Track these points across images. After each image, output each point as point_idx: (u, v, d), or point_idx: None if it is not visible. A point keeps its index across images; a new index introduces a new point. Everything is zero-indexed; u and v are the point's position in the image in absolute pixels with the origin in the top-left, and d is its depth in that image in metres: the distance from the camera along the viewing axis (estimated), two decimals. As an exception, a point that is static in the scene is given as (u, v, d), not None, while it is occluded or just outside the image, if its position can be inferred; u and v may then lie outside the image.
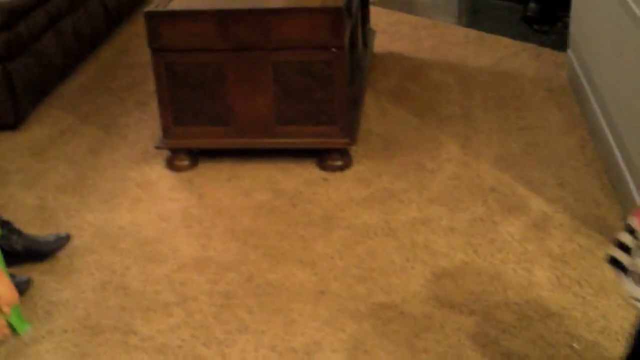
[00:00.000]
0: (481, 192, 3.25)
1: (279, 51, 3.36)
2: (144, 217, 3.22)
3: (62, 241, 2.99)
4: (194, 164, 3.56)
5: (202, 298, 2.74)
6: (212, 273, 2.86)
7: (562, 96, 3.97)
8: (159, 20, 3.35)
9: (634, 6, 2.85)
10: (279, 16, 3.31)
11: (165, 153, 3.60)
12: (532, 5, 4.95)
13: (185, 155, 3.55)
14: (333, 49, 3.32)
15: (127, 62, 4.79)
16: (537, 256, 2.83)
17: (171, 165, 3.56)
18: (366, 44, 4.35)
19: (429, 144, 3.64)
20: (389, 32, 5.00)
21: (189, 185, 3.43)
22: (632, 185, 2.91)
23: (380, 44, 4.77)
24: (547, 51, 4.57)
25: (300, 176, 3.44)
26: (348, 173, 3.45)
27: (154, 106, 3.86)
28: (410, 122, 3.86)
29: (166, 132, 3.53)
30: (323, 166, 3.49)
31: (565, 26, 4.51)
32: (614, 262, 2.03)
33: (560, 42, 4.61)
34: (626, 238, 1.98)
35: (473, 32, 4.92)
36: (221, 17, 3.32)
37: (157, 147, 3.59)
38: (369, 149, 3.63)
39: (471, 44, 4.74)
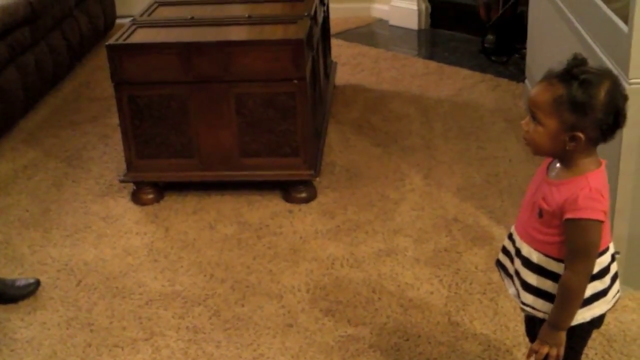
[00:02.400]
0: (445, 223, 3.29)
1: (241, 83, 3.37)
2: (109, 252, 3.21)
3: (32, 287, 2.95)
4: (159, 197, 3.56)
5: (170, 333, 2.73)
6: (179, 307, 2.86)
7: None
8: (120, 53, 3.36)
9: (587, 37, 2.92)
10: (241, 48, 3.33)
11: (130, 186, 3.59)
12: (489, 37, 5.04)
13: (150, 188, 3.55)
14: (295, 81, 3.35)
15: (90, 96, 4.78)
16: (502, 286, 2.86)
17: (136, 198, 3.55)
18: (328, 75, 4.39)
19: (392, 174, 3.68)
20: (350, 64, 5.05)
21: (154, 218, 3.43)
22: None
23: (342, 76, 4.82)
24: (505, 82, 4.66)
25: (265, 208, 3.46)
26: (313, 205, 3.47)
27: (117, 139, 3.85)
28: (373, 153, 3.90)
29: (130, 165, 3.53)
30: (288, 198, 3.50)
31: (522, 57, 4.61)
32: (501, 266, 2.10)
33: (517, 73, 4.71)
34: (507, 243, 2.07)
35: (433, 64, 5.00)
36: (183, 49, 3.33)
37: (122, 181, 3.58)
38: (333, 180, 3.66)
39: (431, 76, 4.81)
